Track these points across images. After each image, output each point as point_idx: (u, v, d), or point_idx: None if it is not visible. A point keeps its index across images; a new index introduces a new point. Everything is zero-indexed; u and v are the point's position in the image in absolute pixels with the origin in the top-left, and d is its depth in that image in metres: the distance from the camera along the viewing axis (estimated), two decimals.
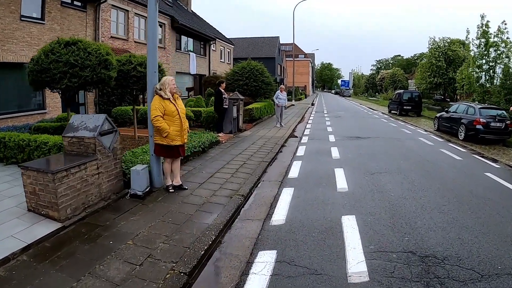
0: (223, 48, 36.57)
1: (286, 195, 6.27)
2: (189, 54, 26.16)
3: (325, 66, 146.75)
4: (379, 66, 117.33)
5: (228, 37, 39.57)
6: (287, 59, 68.04)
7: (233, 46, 40.56)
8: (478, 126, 13.87)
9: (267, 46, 55.87)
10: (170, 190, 6.12)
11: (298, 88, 61.83)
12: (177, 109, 5.90)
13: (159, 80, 6.09)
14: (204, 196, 5.94)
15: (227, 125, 12.75)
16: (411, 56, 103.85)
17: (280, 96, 16.69)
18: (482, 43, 21.17)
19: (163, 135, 5.81)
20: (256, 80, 19.90)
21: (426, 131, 17.75)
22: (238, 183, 6.74)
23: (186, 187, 6.36)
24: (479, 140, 13.85)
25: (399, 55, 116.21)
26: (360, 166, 8.69)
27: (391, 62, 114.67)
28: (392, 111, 29.13)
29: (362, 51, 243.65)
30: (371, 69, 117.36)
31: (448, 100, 48.50)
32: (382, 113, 30.15)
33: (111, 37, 17.27)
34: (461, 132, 14.76)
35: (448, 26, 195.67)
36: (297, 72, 65.57)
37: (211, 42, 31.37)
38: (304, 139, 13.40)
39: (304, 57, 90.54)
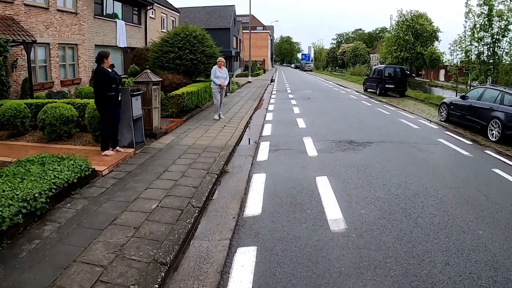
0: (165, 16, 29.75)
1: None
2: (116, 22, 19.61)
3: (285, 39, 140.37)
4: (339, 40, 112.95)
5: (175, 6, 32.65)
6: (244, 31, 61.19)
7: (178, 14, 33.63)
8: None
9: (221, 15, 49.18)
10: None
11: (256, 62, 55.93)
12: None
13: None
14: None
15: (125, 133, 6.83)
16: (373, 30, 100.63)
17: (218, 74, 11.26)
18: (484, 11, 16.67)
19: None
20: (193, 52, 13.86)
21: (431, 121, 12.81)
22: None
23: None
24: None
25: (361, 29, 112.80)
26: (413, 274, 3.26)
27: (352, 36, 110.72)
28: (369, 89, 24.10)
29: (323, 24, 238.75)
30: (331, 43, 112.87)
31: (414, 75, 45.39)
32: (357, 91, 25.13)
33: None
34: (492, 130, 9.74)
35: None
36: (255, 45, 59.23)
37: (148, 8, 24.87)
38: (263, 151, 7.79)
39: (263, 29, 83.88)
